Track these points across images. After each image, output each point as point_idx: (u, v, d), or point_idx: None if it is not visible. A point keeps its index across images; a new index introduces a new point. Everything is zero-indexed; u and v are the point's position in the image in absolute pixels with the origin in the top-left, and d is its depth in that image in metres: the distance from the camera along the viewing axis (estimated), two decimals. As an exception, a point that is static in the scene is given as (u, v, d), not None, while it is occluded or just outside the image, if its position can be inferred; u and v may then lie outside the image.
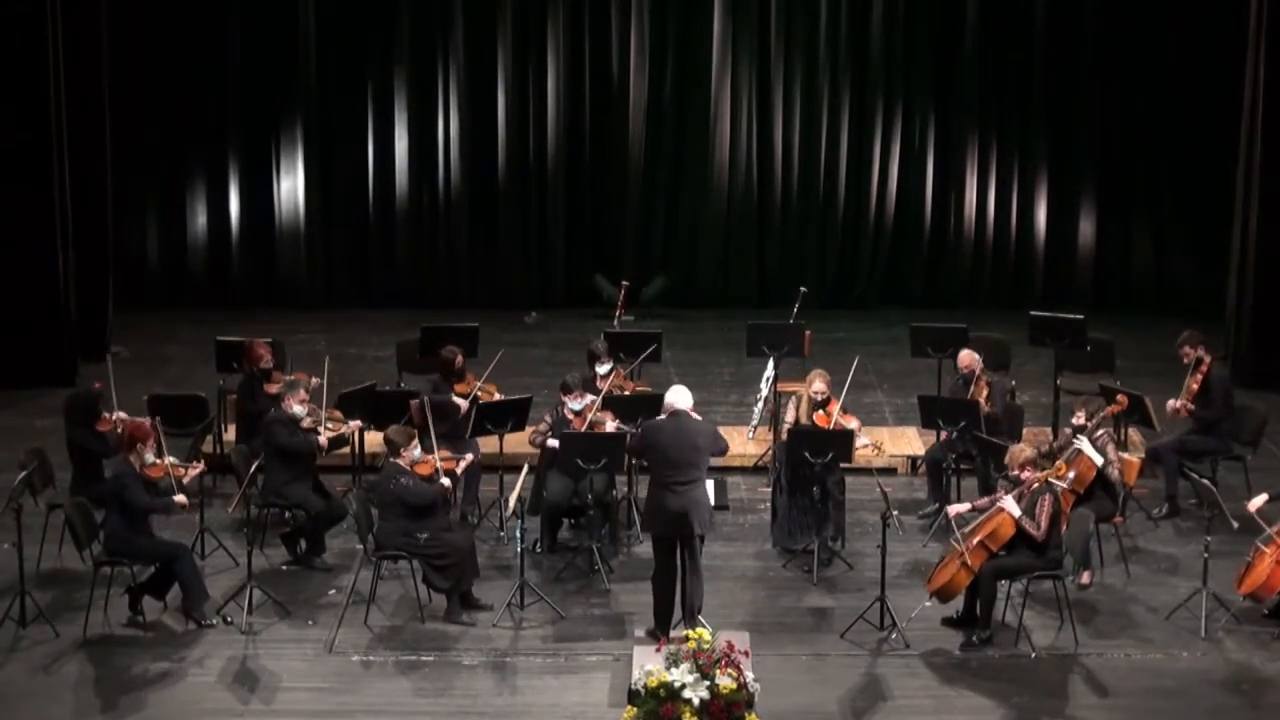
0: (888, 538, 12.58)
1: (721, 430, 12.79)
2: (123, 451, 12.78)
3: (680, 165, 21.80)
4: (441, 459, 13.26)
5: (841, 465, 13.86)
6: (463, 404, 14.59)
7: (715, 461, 12.94)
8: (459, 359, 14.95)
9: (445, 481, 13.13)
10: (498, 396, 14.81)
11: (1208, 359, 14.85)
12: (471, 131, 21.52)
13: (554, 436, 13.74)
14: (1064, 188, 21.55)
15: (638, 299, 20.80)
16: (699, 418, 12.43)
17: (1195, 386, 14.76)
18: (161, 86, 21.12)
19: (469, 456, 13.82)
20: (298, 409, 13.85)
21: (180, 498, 12.74)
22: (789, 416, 14.29)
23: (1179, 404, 14.80)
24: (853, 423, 14.07)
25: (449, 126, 21.50)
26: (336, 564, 13.69)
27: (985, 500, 12.96)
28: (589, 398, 14.04)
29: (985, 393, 14.64)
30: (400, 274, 21.77)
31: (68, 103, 18.18)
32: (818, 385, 14.17)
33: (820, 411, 14.10)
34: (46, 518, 13.55)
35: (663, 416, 12.36)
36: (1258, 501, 12.77)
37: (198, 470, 13.22)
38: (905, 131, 21.54)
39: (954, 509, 12.90)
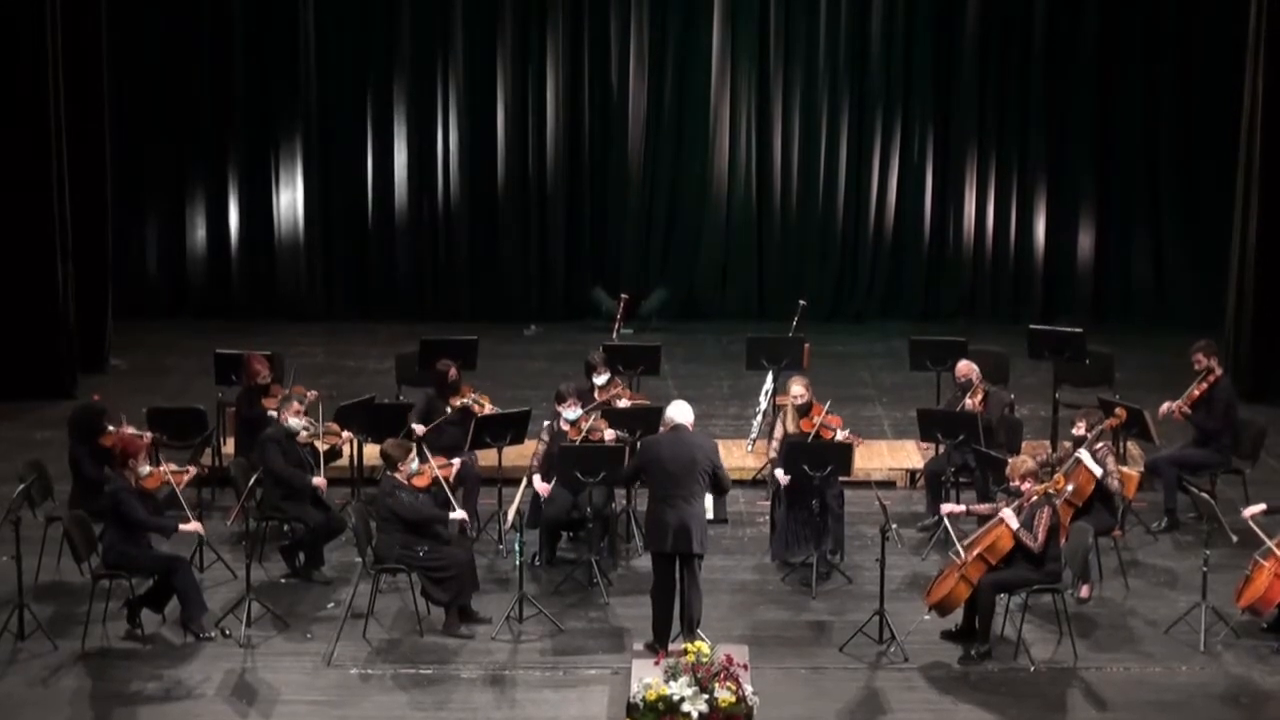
0: (887, 551, 12.58)
1: (720, 443, 12.78)
2: (116, 467, 12.78)
3: (680, 178, 21.81)
4: (438, 466, 13.26)
5: (840, 479, 13.86)
6: (419, 428, 14.49)
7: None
8: (453, 371, 14.96)
9: (459, 515, 13.06)
10: (489, 409, 14.81)
11: (1217, 371, 14.84)
12: (471, 144, 21.54)
13: (544, 467, 13.74)
14: (1063, 200, 21.55)
15: (637, 312, 20.81)
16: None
17: (1197, 394, 14.74)
18: (161, 99, 21.16)
19: (456, 461, 13.80)
20: (294, 421, 13.83)
21: (194, 526, 12.74)
22: (777, 433, 14.26)
23: (1176, 405, 14.78)
24: (834, 421, 14.06)
25: (448, 139, 21.52)
26: (335, 577, 13.69)
27: (983, 507, 12.97)
28: (581, 409, 14.05)
29: (980, 396, 14.65)
30: (399, 286, 21.77)
31: (68, 115, 18.18)
32: (796, 390, 14.15)
33: (804, 417, 14.09)
34: (45, 530, 13.55)
35: (662, 431, 12.35)
36: (1254, 509, 12.78)
37: (191, 474, 13.21)
38: (904, 144, 21.55)
39: (949, 508, 12.93)
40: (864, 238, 21.74)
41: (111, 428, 13.93)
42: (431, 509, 12.89)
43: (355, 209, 21.69)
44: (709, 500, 13.97)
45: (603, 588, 13.35)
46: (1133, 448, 15.79)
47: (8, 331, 18.01)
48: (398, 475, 12.85)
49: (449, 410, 14.72)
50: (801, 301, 17.36)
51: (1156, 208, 21.49)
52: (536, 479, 13.72)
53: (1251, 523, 12.64)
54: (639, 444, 12.90)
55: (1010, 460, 12.90)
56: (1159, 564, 14.05)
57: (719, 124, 21.51)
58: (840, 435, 13.96)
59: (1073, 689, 11.98)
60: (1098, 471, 13.25)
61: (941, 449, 14.76)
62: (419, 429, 14.48)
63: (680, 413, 12.27)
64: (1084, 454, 13.33)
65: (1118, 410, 14.41)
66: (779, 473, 13.58)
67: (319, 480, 13.75)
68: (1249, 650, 12.48)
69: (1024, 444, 15.09)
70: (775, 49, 21.34)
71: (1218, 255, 19.54)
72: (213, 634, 12.59)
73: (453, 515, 12.97)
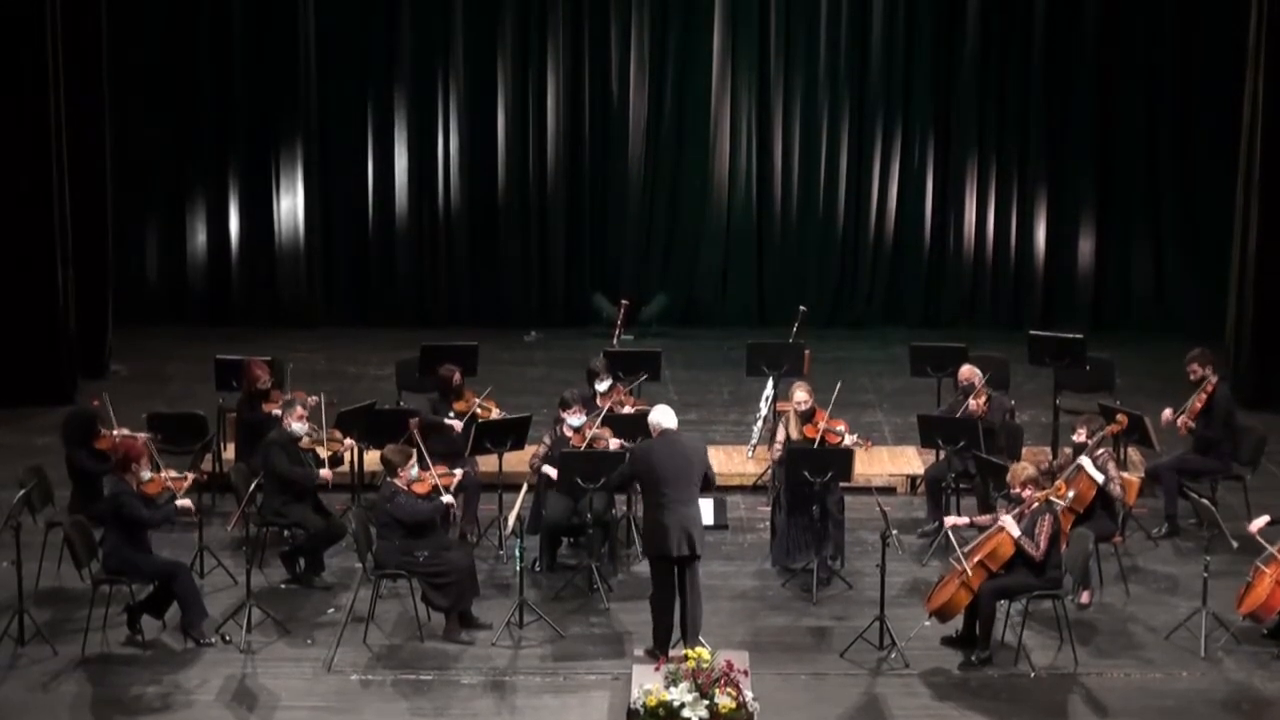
0: (887, 557, 12.57)
1: (721, 449, 12.79)
2: (117, 472, 12.78)
3: (680, 184, 21.79)
4: (439, 475, 13.26)
5: (841, 484, 13.86)
6: (457, 425, 14.62)
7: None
8: (457, 377, 14.98)
9: (447, 499, 13.13)
10: (496, 414, 14.83)
11: (1214, 379, 14.84)
12: (471, 150, 21.53)
13: (549, 462, 13.77)
14: (1064, 206, 21.53)
15: (637, 318, 20.81)
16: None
17: (1199, 405, 14.75)
18: (162, 104, 21.15)
19: (459, 472, 13.81)
20: (297, 426, 13.83)
21: (184, 501, 12.78)
22: (780, 436, 14.27)
23: (1181, 419, 14.78)
24: (841, 426, 14.08)
25: (449, 145, 21.51)
26: (335, 583, 13.68)
27: (985, 517, 12.97)
28: (585, 416, 14.05)
29: (984, 399, 14.66)
30: (400, 292, 21.76)
31: (68, 121, 18.18)
32: (799, 396, 14.17)
33: (808, 423, 14.10)
34: (45, 536, 13.54)
35: (653, 437, 12.34)
36: (1259, 523, 12.75)
37: (191, 480, 13.22)
38: (905, 150, 21.54)
39: (952, 520, 12.97)
40: (864, 243, 21.73)
41: (105, 430, 13.94)
42: (428, 505, 12.90)
43: (356, 214, 21.68)
44: (709, 506, 14.02)
45: (603, 593, 13.35)
46: (1133, 454, 15.78)
47: (8, 337, 17.99)
48: (398, 481, 12.85)
49: (452, 414, 14.73)
50: (802, 307, 17.34)
51: (1157, 213, 21.48)
52: (545, 466, 13.73)
53: (1258, 536, 12.60)
54: (630, 452, 12.88)
55: (1011, 466, 12.90)
56: (1160, 570, 14.04)
57: (719, 129, 21.51)
58: (848, 440, 13.97)
59: (1073, 695, 11.97)
60: (1099, 478, 13.25)
61: (942, 455, 14.75)
62: (456, 425, 14.49)
63: (666, 417, 12.29)
64: (1085, 460, 13.33)
65: (1118, 416, 14.40)
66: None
67: (325, 473, 13.75)
68: (1250, 656, 12.48)
69: (1025, 450, 15.08)
70: (775, 54, 21.33)
71: (1218, 261, 19.54)
72: (213, 639, 12.59)
73: (443, 499, 12.99)
